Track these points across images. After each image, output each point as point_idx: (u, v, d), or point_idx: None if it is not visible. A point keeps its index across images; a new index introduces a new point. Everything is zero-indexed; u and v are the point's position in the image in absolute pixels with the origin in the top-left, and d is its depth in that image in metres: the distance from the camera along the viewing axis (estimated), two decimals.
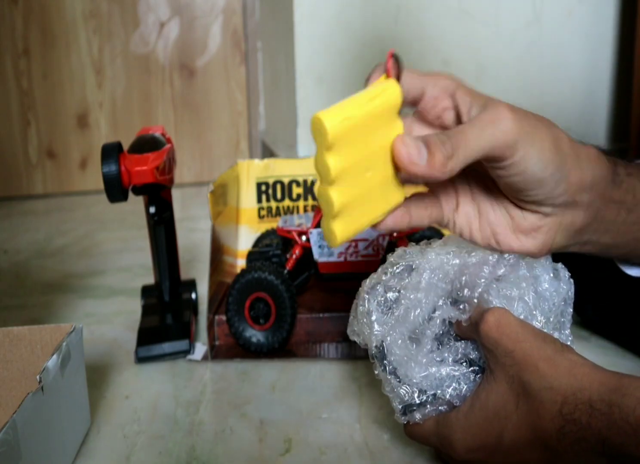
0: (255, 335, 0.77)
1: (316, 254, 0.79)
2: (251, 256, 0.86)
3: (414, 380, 0.48)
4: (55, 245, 1.34)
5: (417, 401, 0.49)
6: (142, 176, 0.72)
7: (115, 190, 0.72)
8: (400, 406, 0.50)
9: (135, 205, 0.89)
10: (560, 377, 0.42)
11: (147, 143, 0.75)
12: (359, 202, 0.40)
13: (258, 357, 0.76)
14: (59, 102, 1.86)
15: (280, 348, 0.76)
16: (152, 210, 0.80)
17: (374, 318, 0.49)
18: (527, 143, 0.42)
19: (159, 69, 1.92)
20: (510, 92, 1.55)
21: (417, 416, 0.49)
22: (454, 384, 0.48)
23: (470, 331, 0.48)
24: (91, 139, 1.89)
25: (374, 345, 0.50)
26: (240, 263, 0.95)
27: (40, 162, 1.88)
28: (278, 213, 0.98)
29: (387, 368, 0.49)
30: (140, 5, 1.87)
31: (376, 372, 0.51)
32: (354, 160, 0.39)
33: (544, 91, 1.56)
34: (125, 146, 0.75)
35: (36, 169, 1.88)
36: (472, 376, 0.48)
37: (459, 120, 0.46)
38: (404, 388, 0.48)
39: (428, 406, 0.49)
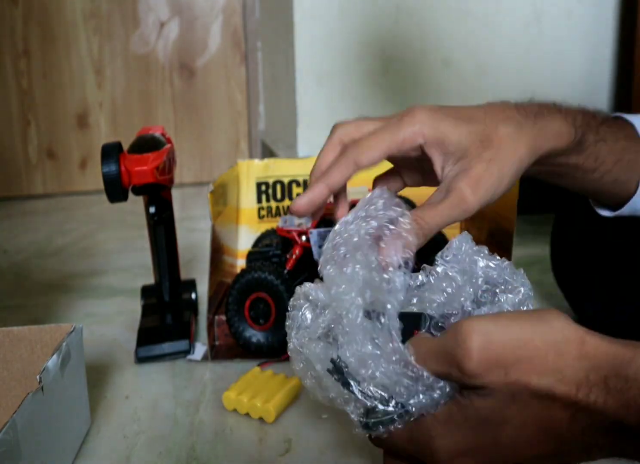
0: (255, 335, 0.77)
1: (316, 254, 0.79)
2: (251, 256, 0.86)
3: (377, 381, 0.41)
4: (55, 245, 1.34)
5: (381, 408, 0.42)
6: (142, 176, 0.72)
7: (115, 190, 0.72)
8: (361, 419, 0.43)
9: (135, 205, 0.89)
10: (570, 363, 0.37)
11: (147, 143, 0.75)
12: None
13: (258, 357, 0.76)
14: (59, 102, 1.86)
15: (280, 348, 0.76)
16: (152, 210, 0.80)
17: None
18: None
19: (159, 69, 1.92)
20: (510, 92, 1.54)
21: (381, 429, 0.42)
22: (421, 393, 0.41)
23: (438, 361, 0.40)
24: (91, 139, 1.89)
25: (326, 359, 0.43)
26: (240, 263, 0.95)
27: (40, 162, 1.88)
28: (278, 213, 0.98)
29: (345, 379, 0.42)
30: (140, 5, 1.87)
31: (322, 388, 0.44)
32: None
33: (544, 91, 1.56)
34: (125, 146, 0.75)
35: (36, 169, 1.88)
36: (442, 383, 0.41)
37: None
38: (366, 394, 0.42)
39: (395, 417, 0.41)
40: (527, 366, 0.37)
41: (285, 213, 0.98)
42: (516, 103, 0.51)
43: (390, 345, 0.41)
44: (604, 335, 0.39)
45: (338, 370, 0.42)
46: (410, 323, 0.43)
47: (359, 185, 0.89)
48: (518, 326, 0.38)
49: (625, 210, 0.60)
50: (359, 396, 0.42)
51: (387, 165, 0.55)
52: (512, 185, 0.49)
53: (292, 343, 0.45)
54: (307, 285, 0.46)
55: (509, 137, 0.47)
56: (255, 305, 0.76)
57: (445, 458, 0.41)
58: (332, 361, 0.42)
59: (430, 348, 0.40)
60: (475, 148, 0.47)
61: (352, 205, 0.79)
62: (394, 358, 0.41)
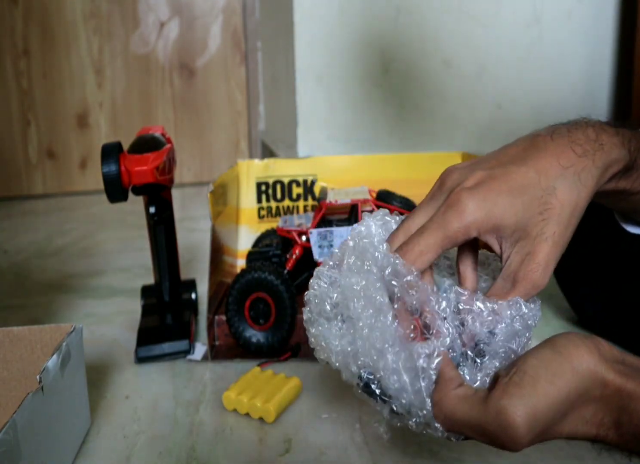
0: (255, 335, 0.77)
1: (316, 254, 0.79)
2: (251, 256, 0.86)
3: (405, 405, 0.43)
4: (55, 245, 1.34)
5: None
6: (142, 176, 0.72)
7: (115, 190, 0.72)
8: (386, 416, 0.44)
9: (135, 205, 0.89)
10: (592, 408, 0.40)
11: (147, 143, 0.75)
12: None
13: (258, 357, 0.76)
14: (59, 102, 1.86)
15: (280, 348, 0.76)
16: (152, 210, 0.80)
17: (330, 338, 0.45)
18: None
19: (159, 69, 1.92)
20: (510, 92, 1.55)
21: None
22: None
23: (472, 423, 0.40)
24: (91, 139, 1.89)
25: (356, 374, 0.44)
26: (240, 263, 0.95)
27: (40, 162, 1.88)
28: (278, 213, 0.98)
29: (374, 391, 0.43)
30: (140, 5, 1.87)
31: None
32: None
33: (544, 91, 1.56)
34: (125, 146, 0.75)
35: (36, 169, 1.88)
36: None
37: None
38: (392, 408, 0.43)
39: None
40: (564, 420, 0.40)
41: (285, 213, 0.98)
42: (570, 137, 0.46)
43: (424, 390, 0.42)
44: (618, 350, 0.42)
45: (367, 385, 0.44)
46: None
47: (359, 184, 0.90)
48: (556, 389, 0.39)
49: None
50: (385, 405, 0.44)
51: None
52: None
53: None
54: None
55: (567, 193, 0.44)
56: (255, 305, 0.76)
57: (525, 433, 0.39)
58: (360, 377, 0.43)
59: (464, 417, 0.40)
60: (535, 224, 0.43)
61: (353, 205, 0.80)
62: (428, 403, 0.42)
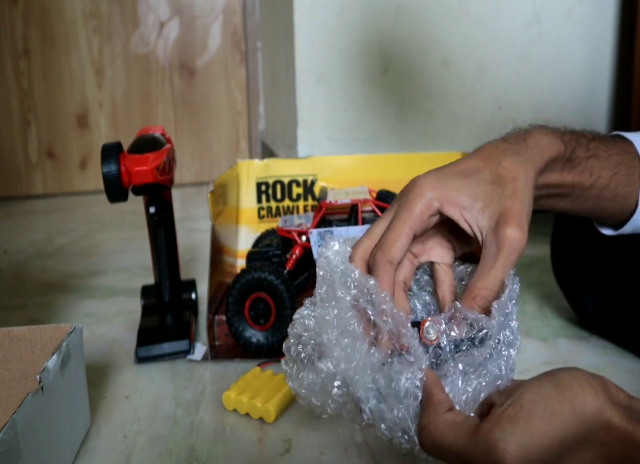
0: (255, 335, 0.77)
1: (316, 254, 0.79)
2: (251, 256, 0.86)
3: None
4: (55, 245, 1.34)
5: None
6: (142, 176, 0.72)
7: (115, 190, 0.72)
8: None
9: (135, 205, 0.89)
10: (593, 449, 0.38)
11: (147, 143, 0.75)
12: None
13: (258, 357, 0.76)
14: (59, 102, 1.86)
15: (280, 348, 0.76)
16: (152, 210, 0.80)
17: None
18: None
19: (159, 69, 1.92)
20: (510, 92, 1.55)
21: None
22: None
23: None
24: (91, 139, 1.89)
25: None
26: (240, 263, 0.95)
27: (40, 162, 1.88)
28: (278, 213, 0.98)
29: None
30: (140, 5, 1.87)
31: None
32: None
33: (544, 91, 1.56)
34: (125, 146, 0.75)
35: (36, 169, 1.88)
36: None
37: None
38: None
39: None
40: (557, 462, 0.37)
41: (285, 213, 0.98)
42: (503, 136, 0.51)
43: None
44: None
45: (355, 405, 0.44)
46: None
47: (359, 184, 0.90)
48: (552, 430, 0.36)
49: (628, 228, 0.59)
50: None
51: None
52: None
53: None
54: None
55: (513, 165, 0.47)
56: (255, 305, 0.76)
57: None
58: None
59: (452, 445, 0.38)
60: (493, 191, 0.46)
61: (353, 205, 0.80)
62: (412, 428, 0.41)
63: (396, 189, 0.85)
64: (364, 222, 0.78)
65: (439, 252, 0.49)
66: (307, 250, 0.80)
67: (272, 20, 1.75)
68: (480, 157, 0.48)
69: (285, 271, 0.79)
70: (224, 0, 1.91)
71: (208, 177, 1.98)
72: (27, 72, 1.82)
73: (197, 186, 1.95)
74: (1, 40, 1.78)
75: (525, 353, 0.78)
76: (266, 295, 0.76)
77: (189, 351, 0.78)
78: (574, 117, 1.59)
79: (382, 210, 0.78)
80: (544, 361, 0.76)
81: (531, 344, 0.81)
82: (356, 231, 0.75)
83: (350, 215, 0.80)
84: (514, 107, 1.55)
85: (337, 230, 0.78)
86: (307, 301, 0.46)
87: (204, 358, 0.78)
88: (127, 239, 1.36)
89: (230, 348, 0.79)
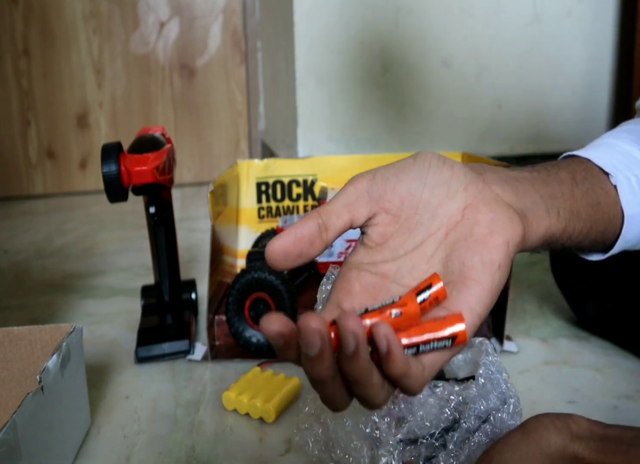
0: (255, 335, 0.77)
1: None
2: (251, 256, 0.86)
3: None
4: (55, 245, 1.34)
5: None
6: (142, 176, 0.72)
7: (115, 190, 0.72)
8: None
9: (135, 205, 0.89)
10: None
11: (147, 143, 0.75)
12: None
13: (258, 357, 0.76)
14: (59, 102, 1.86)
15: None
16: (152, 210, 0.80)
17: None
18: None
19: (159, 69, 1.92)
20: (510, 92, 1.55)
21: None
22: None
23: None
24: (91, 139, 1.89)
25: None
26: (240, 263, 0.95)
27: (40, 162, 1.88)
28: (278, 213, 0.98)
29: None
30: (140, 5, 1.87)
31: None
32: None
33: (544, 91, 1.56)
34: (125, 146, 0.75)
35: (36, 169, 1.88)
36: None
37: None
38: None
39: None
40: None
41: (285, 213, 0.98)
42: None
43: None
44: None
45: None
46: None
47: None
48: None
49: (615, 249, 0.52)
50: None
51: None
52: None
53: None
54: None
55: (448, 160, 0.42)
56: (255, 305, 0.76)
57: None
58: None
59: None
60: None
61: None
62: None
63: None
64: None
65: None
66: None
67: (272, 20, 1.75)
68: (413, 156, 0.42)
69: (285, 272, 0.79)
70: (224, 0, 1.91)
71: (208, 177, 1.98)
72: (27, 72, 1.82)
73: (197, 186, 1.95)
74: (1, 40, 1.78)
75: (525, 353, 0.78)
76: (266, 295, 0.76)
77: (189, 351, 0.78)
78: (574, 116, 1.59)
79: None
80: (544, 361, 0.76)
81: (531, 344, 0.81)
82: (356, 232, 0.75)
83: None
84: (514, 107, 1.56)
85: None
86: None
87: (204, 358, 0.78)
88: (127, 239, 1.36)
89: (230, 348, 0.79)
